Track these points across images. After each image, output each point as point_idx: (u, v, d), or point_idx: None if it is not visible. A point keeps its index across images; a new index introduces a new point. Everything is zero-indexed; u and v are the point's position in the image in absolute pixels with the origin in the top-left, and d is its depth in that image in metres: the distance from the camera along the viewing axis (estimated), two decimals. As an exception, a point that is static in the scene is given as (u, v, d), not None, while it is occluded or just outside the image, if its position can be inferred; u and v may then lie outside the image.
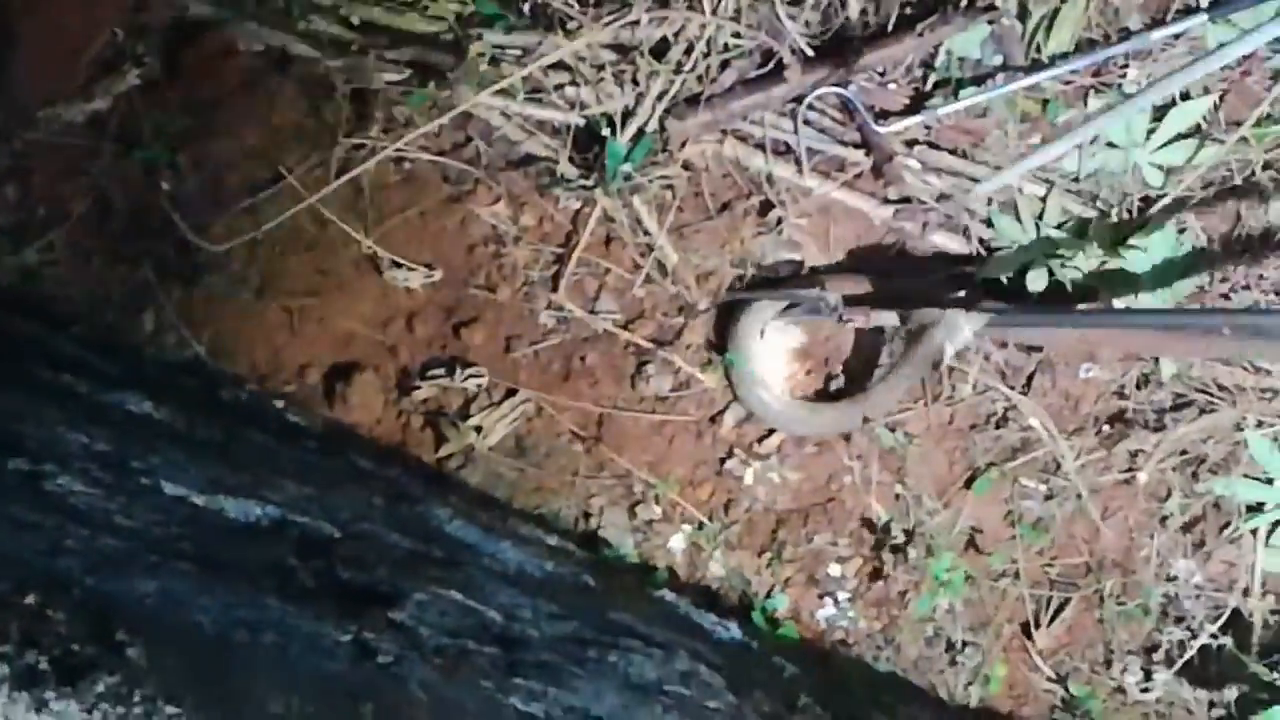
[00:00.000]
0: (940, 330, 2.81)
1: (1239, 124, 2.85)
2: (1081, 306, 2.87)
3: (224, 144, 3.08)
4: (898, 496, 3.02)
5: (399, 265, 3.01)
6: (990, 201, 2.97)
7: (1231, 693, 2.96)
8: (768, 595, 3.00)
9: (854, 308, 2.81)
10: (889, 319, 2.80)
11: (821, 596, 3.02)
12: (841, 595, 3.02)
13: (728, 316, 3.03)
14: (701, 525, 3.01)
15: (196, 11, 3.10)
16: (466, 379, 3.00)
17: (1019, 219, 2.94)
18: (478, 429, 2.98)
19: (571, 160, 3.00)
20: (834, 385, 3.08)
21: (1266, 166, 2.87)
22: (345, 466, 2.82)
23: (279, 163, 3.02)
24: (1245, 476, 2.90)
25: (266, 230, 2.94)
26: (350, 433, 2.96)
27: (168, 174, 3.07)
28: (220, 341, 3.03)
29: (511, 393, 3.03)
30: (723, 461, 3.04)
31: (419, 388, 3.00)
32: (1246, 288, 2.89)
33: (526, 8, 2.97)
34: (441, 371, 3.01)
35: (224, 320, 3.04)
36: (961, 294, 2.89)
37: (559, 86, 2.99)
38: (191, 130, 3.09)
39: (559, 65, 2.96)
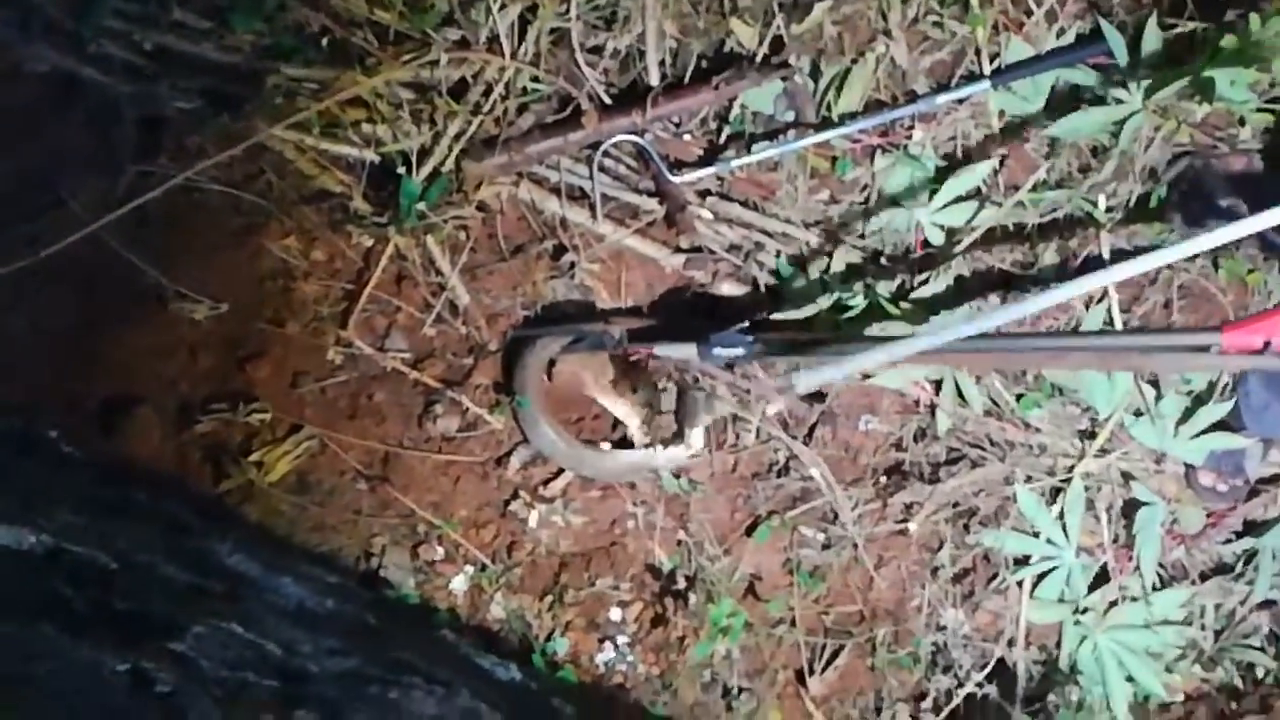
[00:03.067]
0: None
1: (1016, 188, 3.06)
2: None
3: (3, 166, 3.09)
4: (680, 542, 3.19)
5: (184, 296, 3.07)
6: (779, 254, 3.15)
7: (995, 741, 3.17)
8: (548, 638, 3.12)
9: (637, 342, 2.95)
10: (673, 352, 2.93)
11: (602, 640, 3.15)
12: (621, 639, 3.15)
13: (514, 355, 3.15)
14: (484, 567, 3.13)
15: (-22, 30, 3.14)
16: (250, 414, 3.07)
17: (806, 272, 3.13)
18: (259, 465, 3.05)
19: (365, 197, 3.11)
20: (621, 429, 3.22)
21: (1041, 230, 3.08)
22: (123, 498, 2.84)
23: (61, 188, 3.06)
24: (1013, 530, 3.12)
25: (46, 256, 2.90)
26: (128, 465, 3.00)
27: (-59, 195, 3.09)
28: (-8, 369, 3.06)
29: (296, 429, 3.11)
30: (507, 503, 3.17)
31: (200, 421, 3.06)
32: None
33: (325, 42, 3.07)
34: (224, 406, 3.07)
35: (-4, 348, 3.07)
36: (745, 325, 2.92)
37: (355, 123, 3.09)
38: (-32, 151, 3.12)
39: (356, 101, 3.06)
